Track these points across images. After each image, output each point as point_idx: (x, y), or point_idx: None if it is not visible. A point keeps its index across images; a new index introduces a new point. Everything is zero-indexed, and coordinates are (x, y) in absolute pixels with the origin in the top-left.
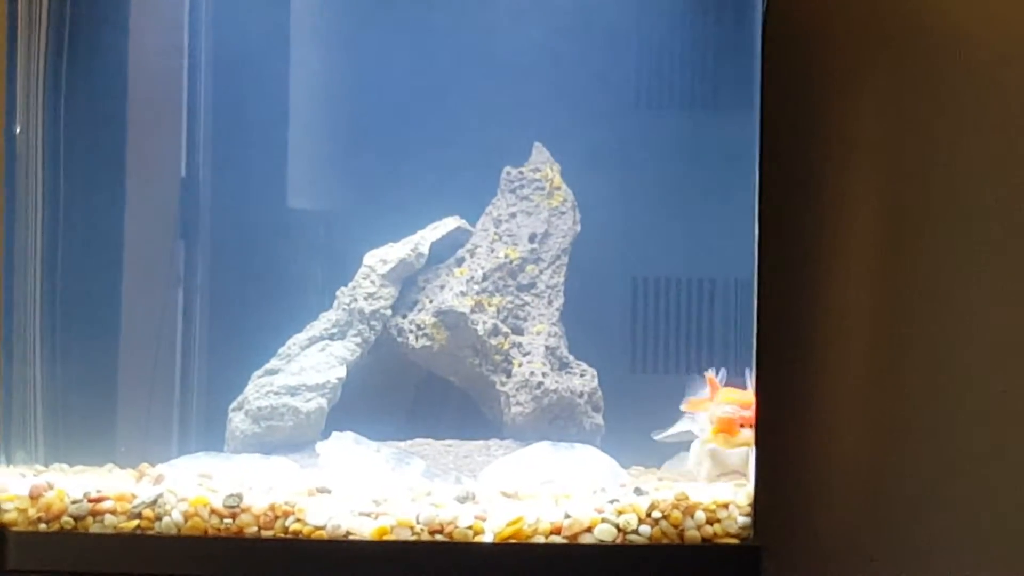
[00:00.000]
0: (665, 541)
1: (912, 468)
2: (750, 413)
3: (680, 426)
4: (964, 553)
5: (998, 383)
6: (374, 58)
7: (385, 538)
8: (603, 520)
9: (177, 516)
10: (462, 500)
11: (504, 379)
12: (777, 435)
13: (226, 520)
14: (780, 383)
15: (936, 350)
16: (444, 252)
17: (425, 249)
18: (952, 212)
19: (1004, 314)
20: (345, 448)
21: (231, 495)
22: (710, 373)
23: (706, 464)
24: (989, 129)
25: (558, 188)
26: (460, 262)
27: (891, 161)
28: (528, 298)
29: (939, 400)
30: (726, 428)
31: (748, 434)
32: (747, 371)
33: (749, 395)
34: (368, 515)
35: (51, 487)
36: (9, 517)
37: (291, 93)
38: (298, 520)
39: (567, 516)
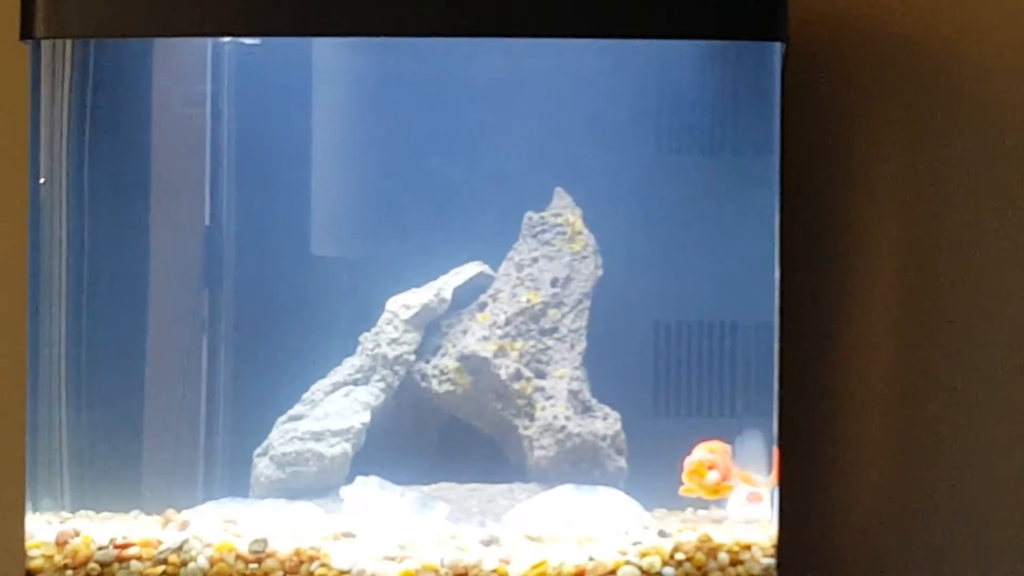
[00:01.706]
0: None
1: (940, 512)
2: (717, 457)
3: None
4: None
5: None
6: (396, 103)
7: None
8: (627, 562)
9: (203, 562)
10: (486, 544)
11: (527, 423)
12: (801, 476)
13: (252, 565)
14: (803, 424)
15: (965, 392)
16: (467, 297)
17: (448, 294)
18: (976, 251)
19: None
20: (369, 493)
21: (256, 540)
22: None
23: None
24: (1006, 166)
25: (580, 233)
26: (483, 307)
27: (914, 199)
28: (550, 342)
29: (967, 443)
30: (696, 470)
31: (715, 476)
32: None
33: (720, 444)
34: (393, 559)
35: (77, 534)
36: (36, 564)
37: (314, 142)
38: (323, 565)
39: (591, 559)
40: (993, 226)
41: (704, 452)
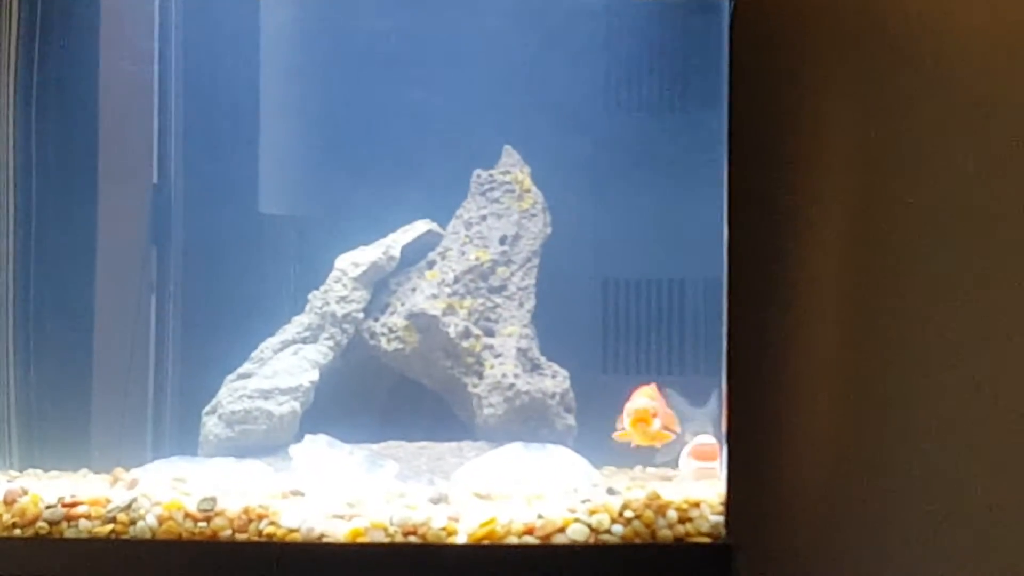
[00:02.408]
0: (637, 540)
1: (891, 464)
2: (659, 405)
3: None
4: (945, 550)
5: (979, 376)
6: (345, 64)
7: (359, 540)
8: (576, 520)
9: (151, 520)
10: (435, 502)
11: (476, 381)
12: (749, 432)
13: (200, 524)
14: (751, 379)
15: (915, 347)
16: (415, 255)
17: (396, 252)
18: (928, 206)
19: (985, 305)
20: (318, 451)
21: (205, 499)
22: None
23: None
24: (954, 120)
25: (528, 191)
26: (431, 265)
27: (862, 157)
28: (499, 300)
29: (917, 395)
30: (642, 418)
31: (659, 424)
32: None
33: (655, 390)
34: (342, 517)
35: (25, 492)
36: None
37: (262, 100)
38: (272, 523)
39: (540, 516)
40: (951, 180)
41: (646, 400)
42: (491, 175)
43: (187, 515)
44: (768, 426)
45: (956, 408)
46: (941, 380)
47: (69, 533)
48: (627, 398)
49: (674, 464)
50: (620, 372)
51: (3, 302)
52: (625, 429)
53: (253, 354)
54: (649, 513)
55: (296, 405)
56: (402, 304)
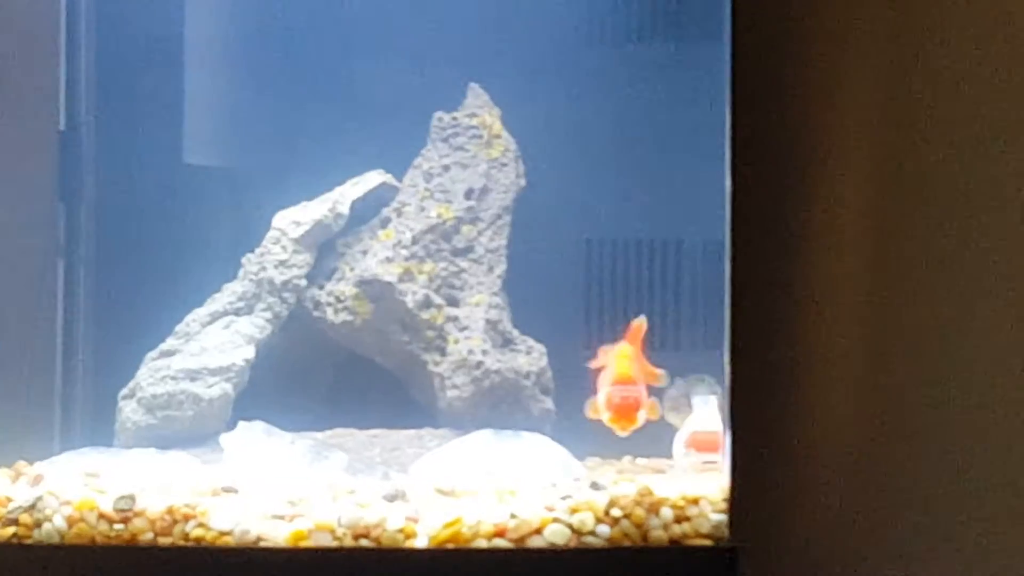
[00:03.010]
0: (627, 543)
1: (908, 461)
2: (642, 390)
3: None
4: (962, 556)
5: (1003, 370)
6: None
7: (302, 544)
8: (555, 520)
9: (60, 522)
10: (391, 499)
11: (438, 358)
12: (755, 421)
13: (117, 526)
14: (757, 361)
15: (938, 325)
16: (367, 212)
17: (345, 209)
18: (956, 165)
19: (1011, 290)
20: (254, 440)
21: (122, 497)
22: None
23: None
24: (987, 76)
25: (498, 136)
26: (385, 223)
27: (884, 104)
28: (465, 264)
29: (939, 385)
30: (625, 417)
31: (644, 417)
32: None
33: (630, 348)
34: (282, 518)
35: None
36: None
37: (188, 33)
38: (200, 525)
39: (513, 516)
40: (972, 122)
41: (629, 389)
42: (454, 118)
43: (101, 516)
44: (778, 411)
45: (989, 400)
46: (976, 365)
47: None
48: (596, 359)
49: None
50: (604, 342)
51: None
52: (600, 412)
53: (177, 328)
54: (640, 511)
55: (228, 387)
56: (351, 269)
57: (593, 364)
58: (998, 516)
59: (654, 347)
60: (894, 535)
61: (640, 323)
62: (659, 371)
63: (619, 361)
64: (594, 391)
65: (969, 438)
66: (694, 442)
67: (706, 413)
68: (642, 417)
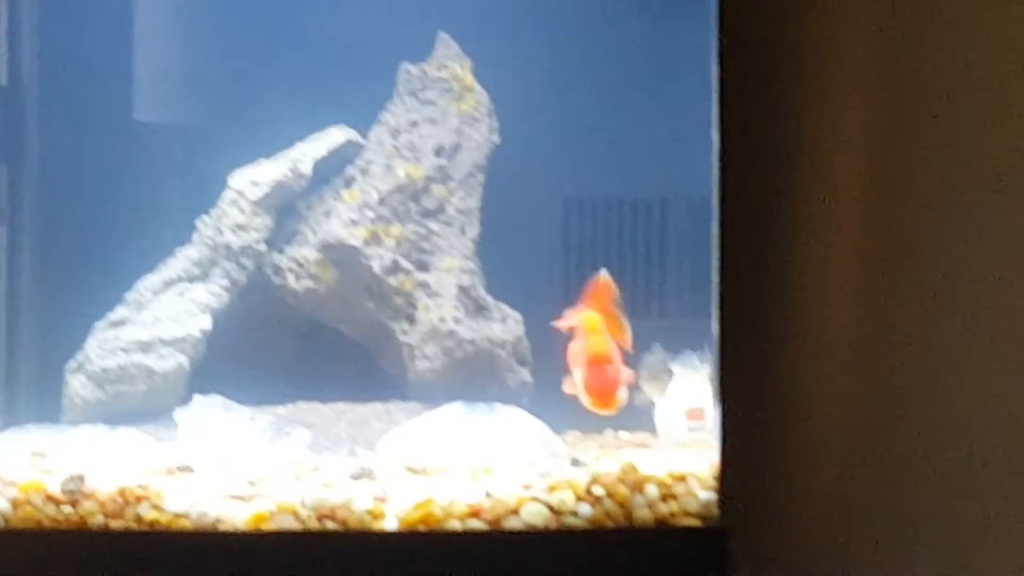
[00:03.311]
0: (609, 524)
1: (908, 436)
2: (620, 370)
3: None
4: (962, 536)
5: (1002, 344)
6: None
7: (263, 527)
8: (532, 499)
9: (3, 505)
10: (357, 478)
11: (407, 327)
12: (747, 391)
13: (65, 508)
14: (749, 327)
15: (940, 295)
16: (329, 171)
17: (306, 168)
18: (953, 107)
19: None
20: (211, 416)
21: (71, 478)
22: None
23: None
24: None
25: (469, 89)
26: (350, 183)
27: (883, 51)
28: (435, 227)
29: (940, 358)
30: (605, 400)
31: (625, 395)
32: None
33: (599, 319)
34: (241, 499)
35: None
36: None
37: None
38: (154, 507)
39: (488, 495)
40: (981, 86)
41: (605, 369)
42: (423, 70)
43: (48, 498)
44: (771, 382)
45: (984, 379)
46: (970, 343)
47: None
48: (568, 328)
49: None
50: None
51: None
52: (578, 392)
53: (129, 296)
54: (623, 489)
55: (183, 360)
56: (314, 233)
57: (560, 324)
58: (999, 496)
59: (636, 313)
60: (893, 514)
61: (604, 280)
62: (626, 327)
63: (591, 338)
64: (566, 366)
65: (971, 416)
66: (695, 413)
67: (695, 381)
68: (623, 395)
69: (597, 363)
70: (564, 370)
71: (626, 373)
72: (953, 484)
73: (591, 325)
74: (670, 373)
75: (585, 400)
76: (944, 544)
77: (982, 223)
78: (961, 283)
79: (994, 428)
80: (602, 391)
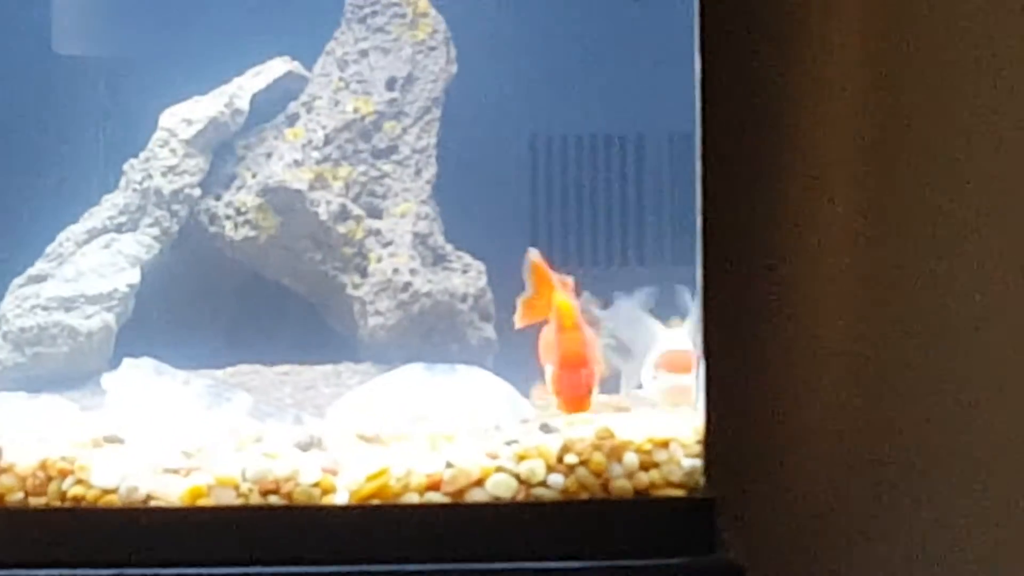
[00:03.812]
0: (584, 495)
1: (907, 396)
2: (595, 371)
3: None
4: (958, 501)
5: (1008, 310)
6: None
7: (200, 502)
8: (498, 469)
9: None
10: (305, 447)
11: (358, 280)
12: (734, 347)
13: None
14: (737, 277)
15: (940, 247)
16: (270, 107)
17: (244, 103)
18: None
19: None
20: (141, 381)
21: None
22: (535, 257)
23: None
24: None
25: (424, 15)
26: (293, 120)
27: None
28: (388, 167)
29: (945, 312)
30: (576, 407)
31: (598, 398)
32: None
33: (571, 307)
34: (176, 472)
35: None
36: None
37: None
38: (80, 482)
39: (449, 465)
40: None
41: (578, 374)
42: None
43: None
44: (760, 338)
45: (984, 332)
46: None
47: None
48: (520, 315)
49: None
50: (556, 264)
51: None
52: (549, 393)
53: (48, 248)
54: (599, 457)
55: (110, 318)
56: (253, 175)
57: (520, 322)
58: (999, 461)
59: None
60: (889, 481)
61: (538, 261)
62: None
63: (565, 335)
64: (539, 366)
65: (970, 376)
66: (666, 362)
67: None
68: (596, 397)
69: (571, 366)
70: (536, 368)
71: (600, 369)
72: (948, 451)
73: (565, 316)
74: (645, 326)
75: (555, 402)
76: (940, 511)
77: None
78: (962, 246)
79: (994, 394)
80: (574, 397)
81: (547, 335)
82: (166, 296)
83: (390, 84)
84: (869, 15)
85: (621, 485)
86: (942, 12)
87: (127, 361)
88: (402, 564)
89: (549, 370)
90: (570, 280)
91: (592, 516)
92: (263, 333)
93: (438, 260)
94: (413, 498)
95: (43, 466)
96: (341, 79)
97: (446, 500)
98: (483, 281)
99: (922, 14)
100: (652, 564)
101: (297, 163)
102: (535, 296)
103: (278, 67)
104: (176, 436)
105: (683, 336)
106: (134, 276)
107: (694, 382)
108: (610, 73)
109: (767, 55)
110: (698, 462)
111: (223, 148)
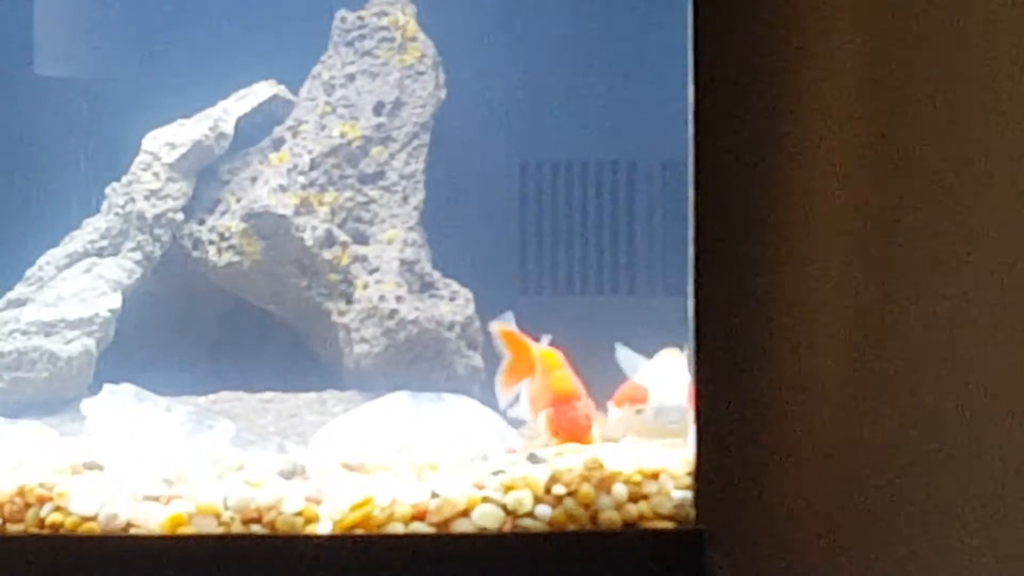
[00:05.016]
0: (572, 527)
1: (904, 432)
2: (589, 403)
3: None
4: (958, 546)
5: (1005, 342)
6: None
7: (180, 531)
8: (485, 500)
9: None
10: (288, 476)
11: (343, 307)
12: (726, 380)
13: None
14: (729, 307)
15: (938, 271)
16: (256, 131)
17: (229, 127)
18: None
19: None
20: (122, 407)
21: None
22: (504, 325)
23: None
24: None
25: (413, 39)
26: (278, 145)
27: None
28: (375, 193)
29: (940, 348)
30: (578, 437)
31: (597, 431)
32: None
33: (559, 360)
34: (156, 499)
35: None
36: None
37: None
38: (58, 508)
39: (434, 495)
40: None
41: (574, 407)
42: (360, 17)
43: None
44: (753, 371)
45: (991, 381)
46: (967, 338)
47: None
48: (504, 385)
49: None
50: (544, 293)
51: None
52: (548, 436)
53: (29, 272)
54: (588, 488)
55: (90, 343)
56: (238, 200)
57: (505, 392)
58: (996, 503)
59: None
60: (881, 514)
61: (507, 328)
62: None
63: (553, 374)
64: (532, 411)
65: (966, 414)
66: (625, 396)
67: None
68: (597, 431)
69: (565, 400)
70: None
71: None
72: (946, 486)
73: (549, 360)
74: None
75: (552, 441)
76: (935, 547)
77: (980, 201)
78: (958, 263)
79: (989, 426)
80: (574, 430)
81: (534, 388)
82: (148, 321)
83: (377, 109)
84: (867, 42)
85: (609, 517)
86: (943, 35)
87: (107, 387)
88: None
89: (543, 417)
90: (546, 340)
91: (580, 548)
92: (246, 360)
93: (425, 287)
94: (398, 528)
95: (21, 492)
96: (328, 103)
97: (431, 530)
98: (471, 309)
99: (923, 46)
100: None
101: (282, 188)
102: (514, 359)
103: (264, 91)
104: (157, 463)
105: (663, 366)
106: (115, 301)
107: (647, 413)
108: (601, 99)
109: (761, 83)
110: (688, 494)
111: (207, 172)
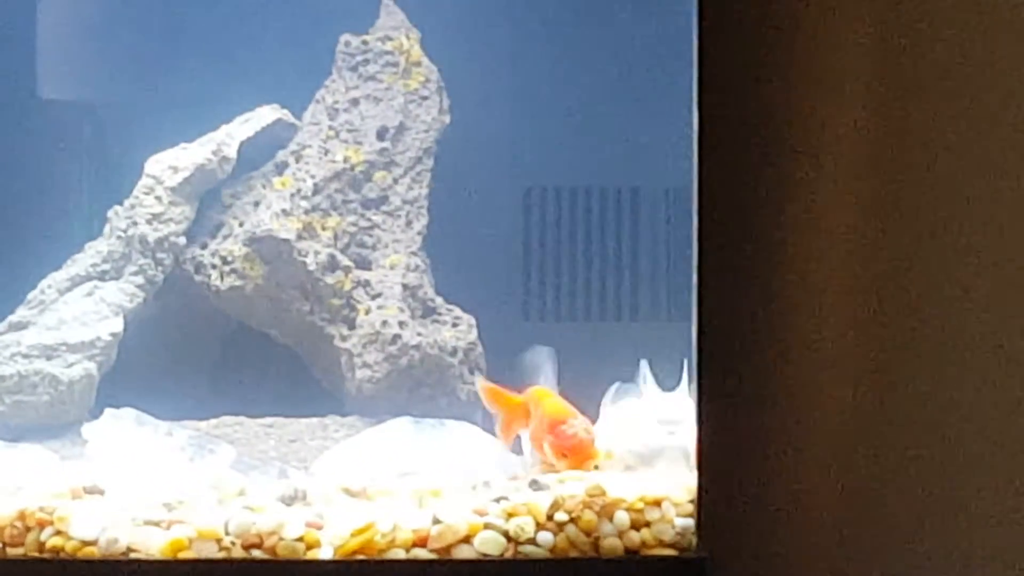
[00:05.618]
0: (574, 554)
1: (907, 460)
2: (587, 420)
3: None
4: (963, 567)
5: (1004, 353)
6: None
7: (181, 555)
8: (486, 526)
9: None
10: (289, 501)
11: (345, 331)
12: (728, 406)
13: None
14: (732, 334)
15: (940, 293)
16: (259, 155)
17: (232, 151)
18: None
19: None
20: (123, 431)
21: None
22: (484, 381)
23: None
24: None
25: (417, 64)
26: (281, 169)
27: (877, 38)
28: (378, 218)
29: (945, 371)
30: (587, 456)
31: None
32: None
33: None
34: (157, 524)
35: None
36: None
37: None
38: (59, 533)
39: (436, 521)
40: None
41: (573, 425)
42: (364, 42)
43: None
44: (755, 397)
45: (983, 400)
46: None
47: None
48: (503, 432)
49: None
50: (548, 319)
51: None
52: (554, 461)
53: (30, 295)
54: (590, 515)
55: (92, 367)
56: (241, 224)
57: (505, 438)
58: (1002, 526)
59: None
60: (884, 542)
61: (488, 385)
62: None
63: (545, 403)
64: (537, 448)
65: (970, 432)
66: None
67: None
68: (600, 448)
69: (562, 420)
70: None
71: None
72: (952, 510)
73: (541, 395)
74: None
75: (562, 466)
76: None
77: (980, 225)
78: (959, 287)
79: (995, 454)
80: (578, 446)
81: (532, 427)
82: (149, 345)
83: (381, 133)
84: (873, 65)
85: (612, 544)
86: (949, 54)
87: (109, 411)
88: None
89: (547, 446)
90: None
91: (582, 574)
92: (248, 384)
93: (428, 313)
94: (399, 554)
95: (21, 516)
96: (331, 128)
97: (433, 556)
98: (474, 335)
99: (929, 67)
100: None
101: (285, 212)
102: (507, 414)
103: (267, 115)
104: (158, 488)
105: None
106: (117, 325)
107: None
108: (605, 125)
109: (765, 109)
110: (690, 521)
111: (210, 196)
